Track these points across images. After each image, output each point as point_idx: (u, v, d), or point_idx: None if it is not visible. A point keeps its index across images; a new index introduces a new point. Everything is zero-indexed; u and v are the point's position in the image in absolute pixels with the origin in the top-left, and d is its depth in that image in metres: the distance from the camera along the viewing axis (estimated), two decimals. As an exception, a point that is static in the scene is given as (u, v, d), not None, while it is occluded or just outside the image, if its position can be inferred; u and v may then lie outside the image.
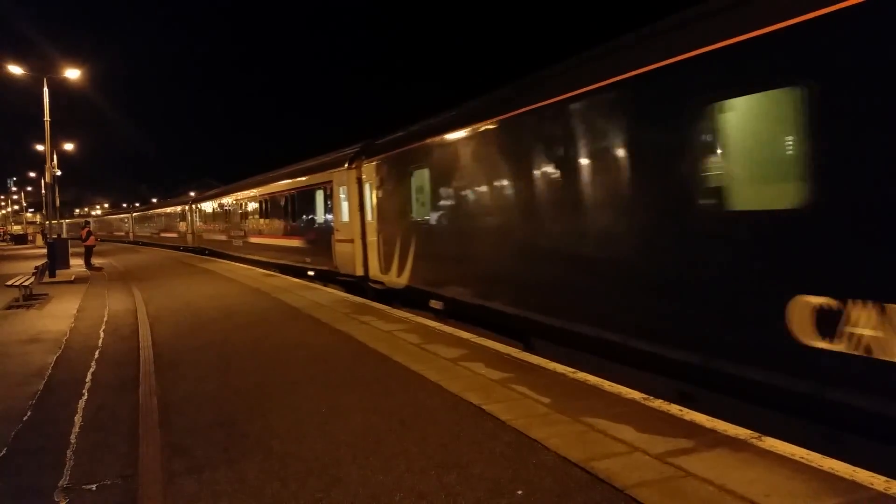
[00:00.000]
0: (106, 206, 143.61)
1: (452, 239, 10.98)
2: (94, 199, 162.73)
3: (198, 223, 39.31)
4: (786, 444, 4.75)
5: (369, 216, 15.21)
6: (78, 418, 6.24)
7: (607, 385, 6.54)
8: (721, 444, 4.82)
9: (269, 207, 24.42)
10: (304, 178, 20.36)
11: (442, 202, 11.32)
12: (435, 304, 11.77)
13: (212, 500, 4.31)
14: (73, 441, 5.60)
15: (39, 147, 37.31)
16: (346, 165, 16.42)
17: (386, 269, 13.99)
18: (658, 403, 5.84)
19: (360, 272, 15.69)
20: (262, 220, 25.56)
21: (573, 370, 7.18)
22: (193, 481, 4.61)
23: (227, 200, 31.93)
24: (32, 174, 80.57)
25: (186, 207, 42.22)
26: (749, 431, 5.01)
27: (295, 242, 21.10)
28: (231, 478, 4.64)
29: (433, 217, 11.74)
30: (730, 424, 5.22)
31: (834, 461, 4.39)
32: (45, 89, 25.47)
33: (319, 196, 18.69)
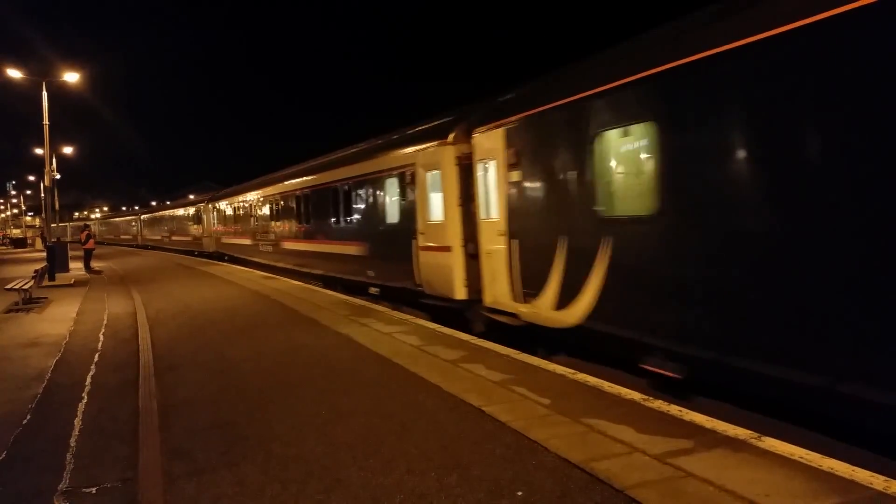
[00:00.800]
0: (105, 209, 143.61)
1: (726, 247, 5.79)
2: (93, 202, 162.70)
3: (216, 225, 34.48)
4: (785, 443, 4.76)
5: (485, 212, 10.23)
6: (78, 421, 6.24)
7: (607, 386, 6.54)
8: (720, 444, 4.83)
9: (312, 204, 19.16)
10: (367, 164, 15.16)
11: (699, 184, 6.06)
12: (658, 366, 6.58)
13: (212, 503, 4.31)
14: (72, 444, 5.59)
15: (39, 150, 37.33)
16: (437, 141, 11.62)
17: (528, 293, 8.82)
18: (658, 404, 5.84)
19: (460, 294, 10.95)
20: (301, 221, 20.34)
21: (573, 371, 7.18)
22: (193, 484, 4.61)
23: (253, 197, 26.67)
24: (32, 178, 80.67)
25: (202, 207, 37.45)
26: (748, 431, 5.02)
27: (351, 249, 15.97)
28: (231, 480, 4.64)
29: (667, 210, 6.39)
30: (729, 424, 5.23)
31: (833, 461, 4.40)
32: (44, 93, 25.48)
33: (392, 186, 13.71)
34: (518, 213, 9.17)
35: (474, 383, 6.85)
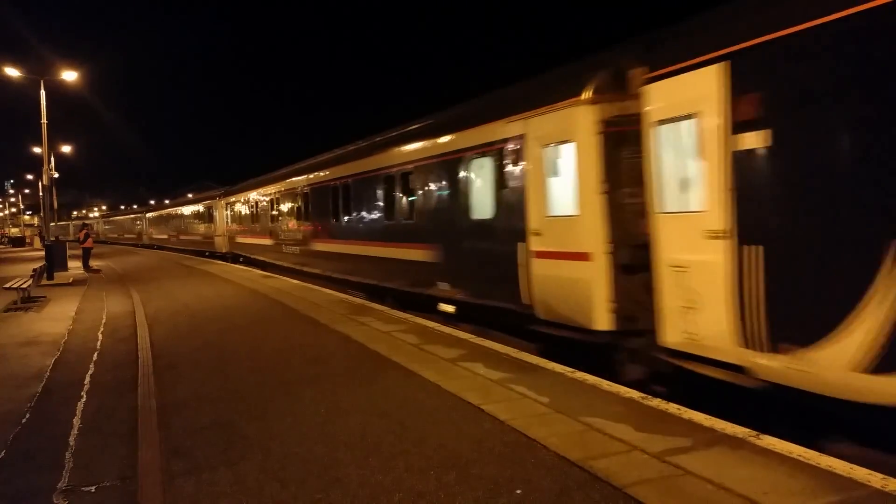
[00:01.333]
0: (104, 207, 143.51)
1: None
2: (92, 200, 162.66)
3: (230, 223, 31.12)
4: (784, 441, 4.77)
5: (669, 201, 6.76)
6: (77, 420, 6.23)
7: (605, 384, 6.56)
8: (719, 442, 4.84)
9: (356, 196, 15.46)
10: (441, 141, 11.57)
11: None
12: None
13: (211, 502, 4.31)
14: (71, 443, 5.59)
15: (37, 149, 37.11)
16: (566, 100, 8.08)
17: (785, 336, 5.37)
18: (656, 402, 5.85)
19: (603, 323, 7.60)
20: (339, 218, 16.62)
21: (572, 370, 7.19)
22: (192, 483, 4.61)
23: (277, 191, 22.93)
24: (30, 176, 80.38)
25: (214, 203, 33.92)
26: (747, 430, 5.03)
27: (414, 253, 12.27)
28: (230, 479, 4.64)
29: None
30: (728, 423, 5.24)
31: (832, 459, 4.42)
32: (42, 91, 25.44)
33: (483, 169, 10.18)
34: (763, 203, 5.68)
35: (473, 382, 6.86)
